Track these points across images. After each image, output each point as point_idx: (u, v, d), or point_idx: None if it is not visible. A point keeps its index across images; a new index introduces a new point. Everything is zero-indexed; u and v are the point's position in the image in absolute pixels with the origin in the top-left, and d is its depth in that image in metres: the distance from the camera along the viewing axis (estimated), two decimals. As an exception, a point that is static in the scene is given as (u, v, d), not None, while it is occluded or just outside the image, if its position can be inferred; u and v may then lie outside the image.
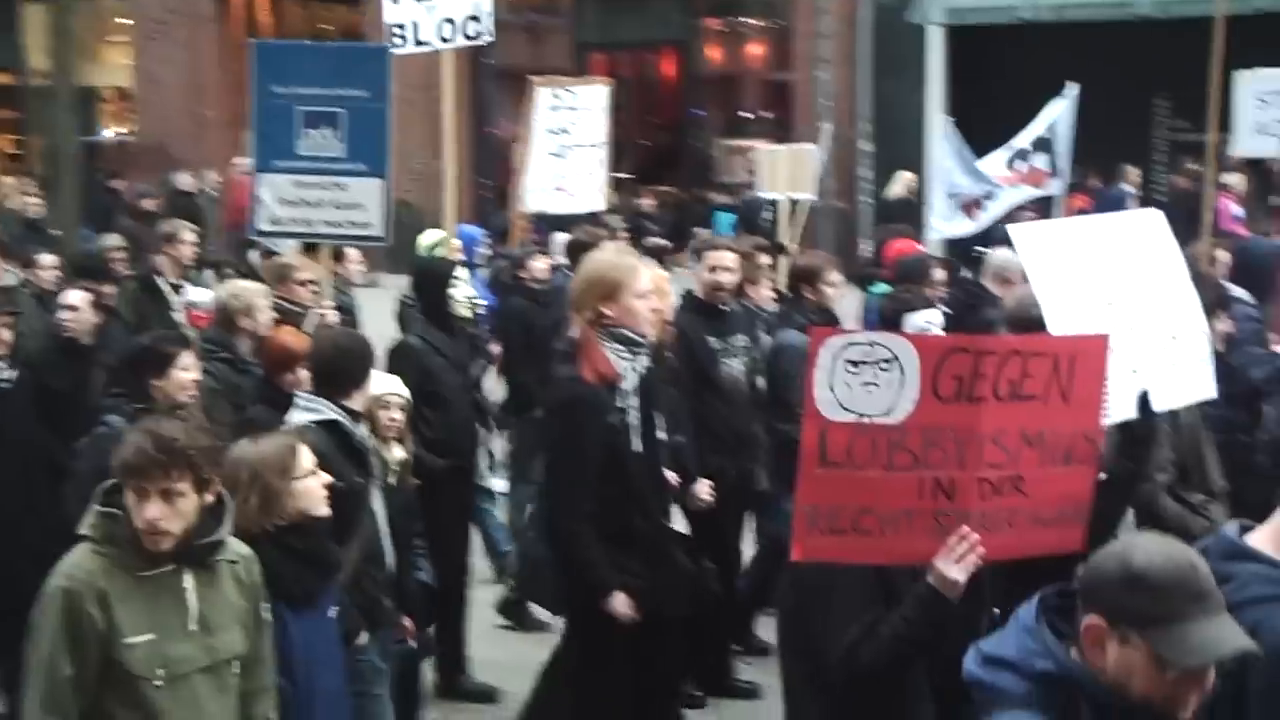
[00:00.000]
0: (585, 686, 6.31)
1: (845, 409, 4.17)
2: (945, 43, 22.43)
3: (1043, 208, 13.64)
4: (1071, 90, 12.60)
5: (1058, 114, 12.53)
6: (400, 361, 7.91)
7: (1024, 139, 12.55)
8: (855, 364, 4.15)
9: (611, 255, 6.42)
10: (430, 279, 8.57)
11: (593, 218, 12.01)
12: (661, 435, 6.35)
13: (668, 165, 23.69)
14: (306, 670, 5.05)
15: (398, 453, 6.62)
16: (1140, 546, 3.16)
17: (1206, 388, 5.71)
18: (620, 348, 6.02)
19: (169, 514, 4.26)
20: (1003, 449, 4.27)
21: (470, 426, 8.49)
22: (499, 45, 25.25)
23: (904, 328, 7.08)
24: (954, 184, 12.28)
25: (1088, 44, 21.73)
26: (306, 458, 5.16)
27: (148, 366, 6.76)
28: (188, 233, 10.86)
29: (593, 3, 24.57)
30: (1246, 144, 11.29)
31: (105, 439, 6.32)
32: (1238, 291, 8.83)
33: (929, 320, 7.20)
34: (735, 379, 8.03)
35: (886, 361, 4.15)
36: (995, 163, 12.48)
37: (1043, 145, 12.45)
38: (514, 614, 8.99)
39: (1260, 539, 3.89)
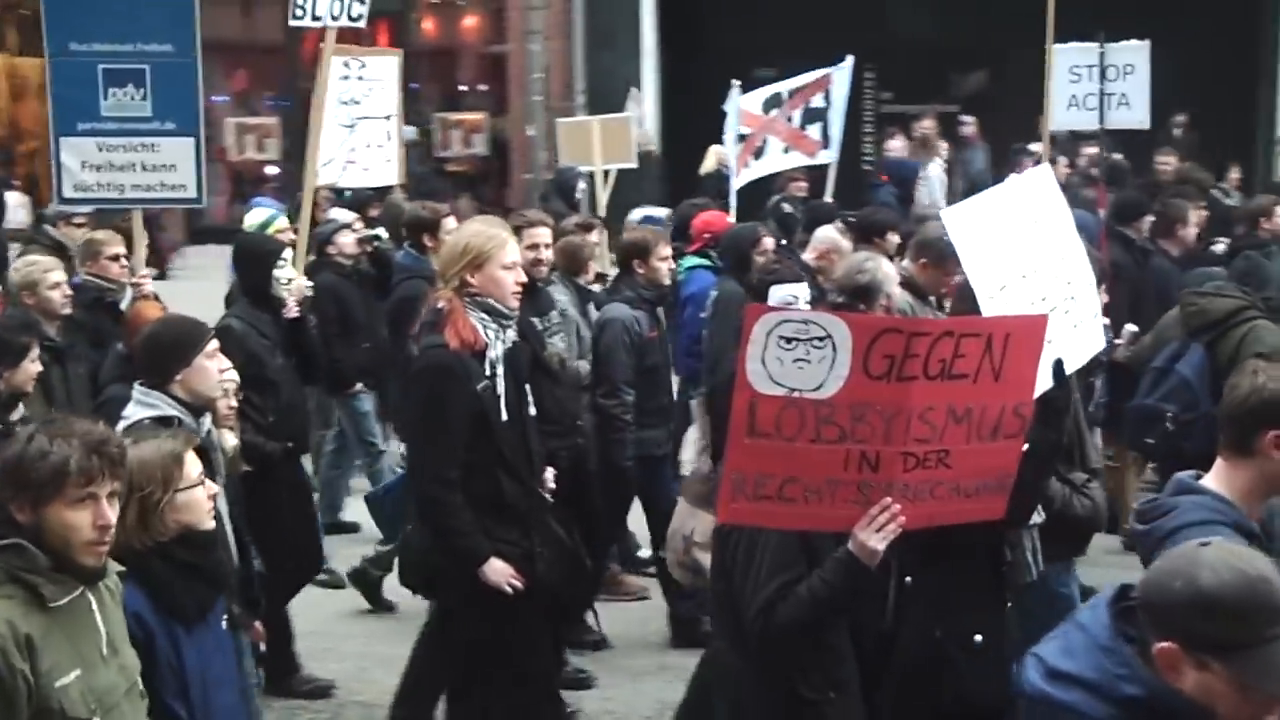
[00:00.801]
0: (498, 665, 6.12)
1: (776, 383, 4.20)
2: (656, 13, 22.56)
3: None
4: (847, 62, 12.70)
5: (832, 81, 12.60)
6: (223, 345, 7.54)
7: (783, 86, 12.63)
8: (789, 340, 4.18)
9: (480, 225, 6.28)
10: (254, 258, 8.14)
11: (386, 192, 11.66)
12: (531, 410, 6.23)
13: (385, 139, 23.22)
14: (203, 691, 4.62)
15: (230, 440, 6.30)
16: (1207, 565, 2.96)
17: (1099, 341, 5.88)
18: (486, 318, 5.93)
19: (113, 518, 3.90)
20: (929, 425, 4.34)
21: (299, 408, 8.12)
22: (209, 18, 24.56)
23: (770, 299, 7.05)
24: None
25: (795, 14, 22.21)
26: (193, 466, 4.70)
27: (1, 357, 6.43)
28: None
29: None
30: (1061, 118, 11.44)
31: None
32: None
33: (793, 293, 7.15)
34: (562, 358, 7.88)
35: (820, 339, 4.18)
36: (752, 101, 12.53)
37: (816, 115, 12.54)
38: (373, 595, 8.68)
39: (1207, 481, 4.20)
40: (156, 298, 8.47)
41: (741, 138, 12.39)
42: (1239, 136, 19.13)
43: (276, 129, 23.65)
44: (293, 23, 9.34)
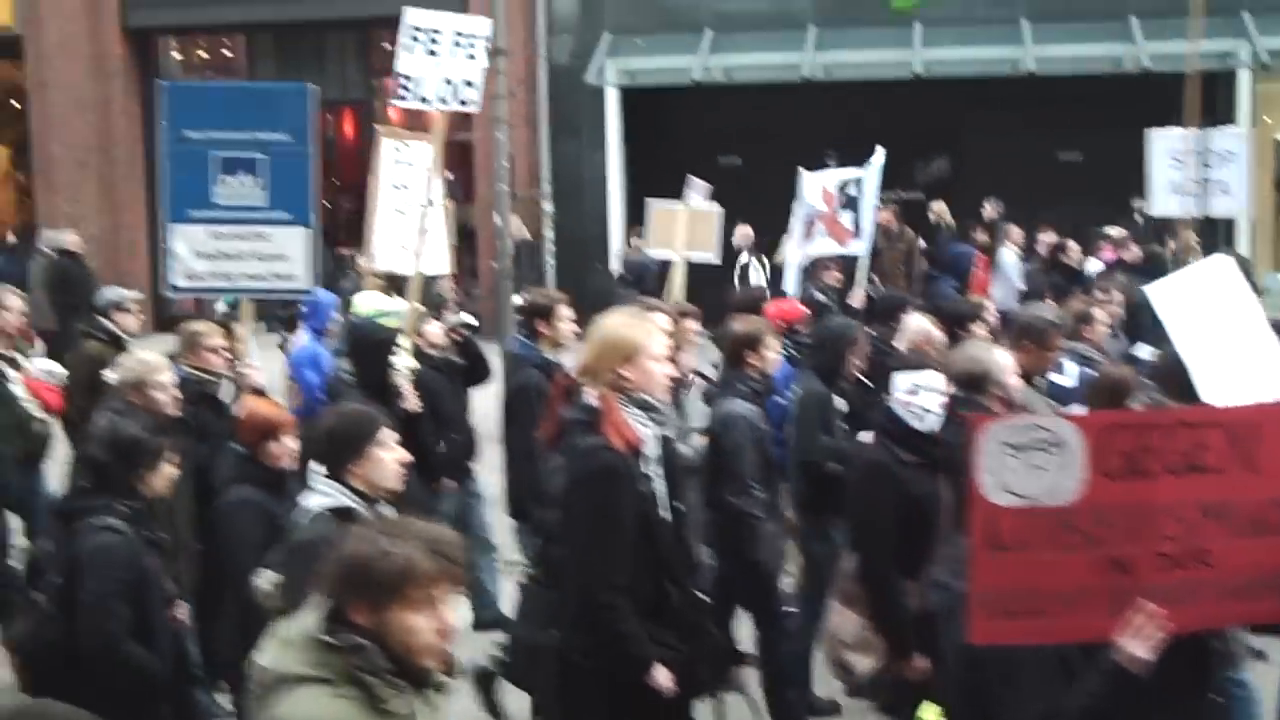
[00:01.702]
0: None
1: (1012, 493, 4.08)
2: (621, 103, 22.65)
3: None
4: (879, 154, 12.74)
5: (866, 174, 12.63)
6: None
7: (849, 173, 12.67)
8: (1018, 448, 4.06)
9: (628, 318, 6.03)
10: (372, 347, 7.89)
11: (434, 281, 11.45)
12: (682, 507, 5.99)
13: (352, 228, 23.02)
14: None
15: None
16: None
17: None
18: (640, 413, 5.69)
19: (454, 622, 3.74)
20: (1180, 522, 4.19)
21: (421, 506, 7.89)
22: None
23: (894, 386, 6.91)
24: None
25: (757, 104, 22.42)
26: None
27: (140, 460, 6.15)
28: (12, 298, 9.73)
29: (269, 61, 23.79)
30: (1162, 204, 11.38)
31: (111, 550, 5.79)
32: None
33: (918, 381, 7.04)
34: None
35: (1050, 444, 4.07)
36: (829, 178, 12.55)
37: (850, 204, 12.54)
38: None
39: None
40: (263, 391, 8.24)
41: (810, 220, 12.37)
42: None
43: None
44: (396, 102, 9.21)
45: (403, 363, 7.82)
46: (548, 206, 23.15)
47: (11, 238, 22.79)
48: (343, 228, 22.81)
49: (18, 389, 9.37)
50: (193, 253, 7.87)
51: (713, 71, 22.17)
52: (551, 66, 23.09)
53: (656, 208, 13.84)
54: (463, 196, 23.86)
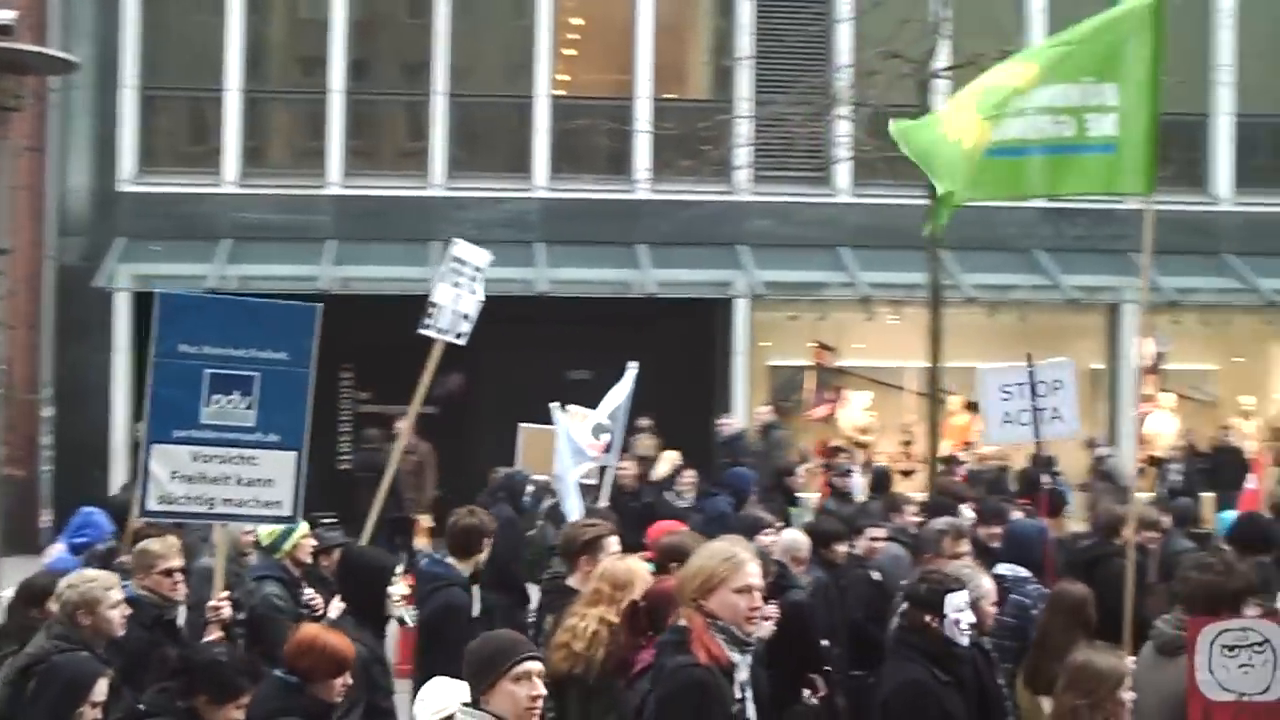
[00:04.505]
0: None
1: (1225, 689, 4.60)
2: (133, 308, 21.39)
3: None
4: (631, 369, 12.79)
5: (622, 394, 12.64)
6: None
7: (602, 414, 12.59)
8: (1230, 649, 4.62)
9: (721, 546, 5.81)
10: (369, 573, 7.14)
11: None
12: None
13: None
14: None
15: None
16: None
17: None
18: (724, 640, 5.54)
19: None
20: None
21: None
22: None
23: (945, 609, 6.75)
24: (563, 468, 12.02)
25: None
26: None
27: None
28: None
29: None
30: (997, 434, 11.43)
31: None
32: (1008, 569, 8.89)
33: (965, 601, 6.83)
34: None
35: (1259, 645, 4.64)
36: (585, 422, 12.42)
37: (605, 428, 12.54)
38: None
39: None
40: (227, 628, 7.30)
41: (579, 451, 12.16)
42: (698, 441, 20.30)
43: None
44: (423, 330, 9.47)
45: (400, 590, 7.22)
46: (47, 410, 21.42)
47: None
48: None
49: None
50: (171, 474, 6.91)
51: (229, 280, 21.37)
52: (60, 267, 21.54)
53: (525, 428, 13.58)
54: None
